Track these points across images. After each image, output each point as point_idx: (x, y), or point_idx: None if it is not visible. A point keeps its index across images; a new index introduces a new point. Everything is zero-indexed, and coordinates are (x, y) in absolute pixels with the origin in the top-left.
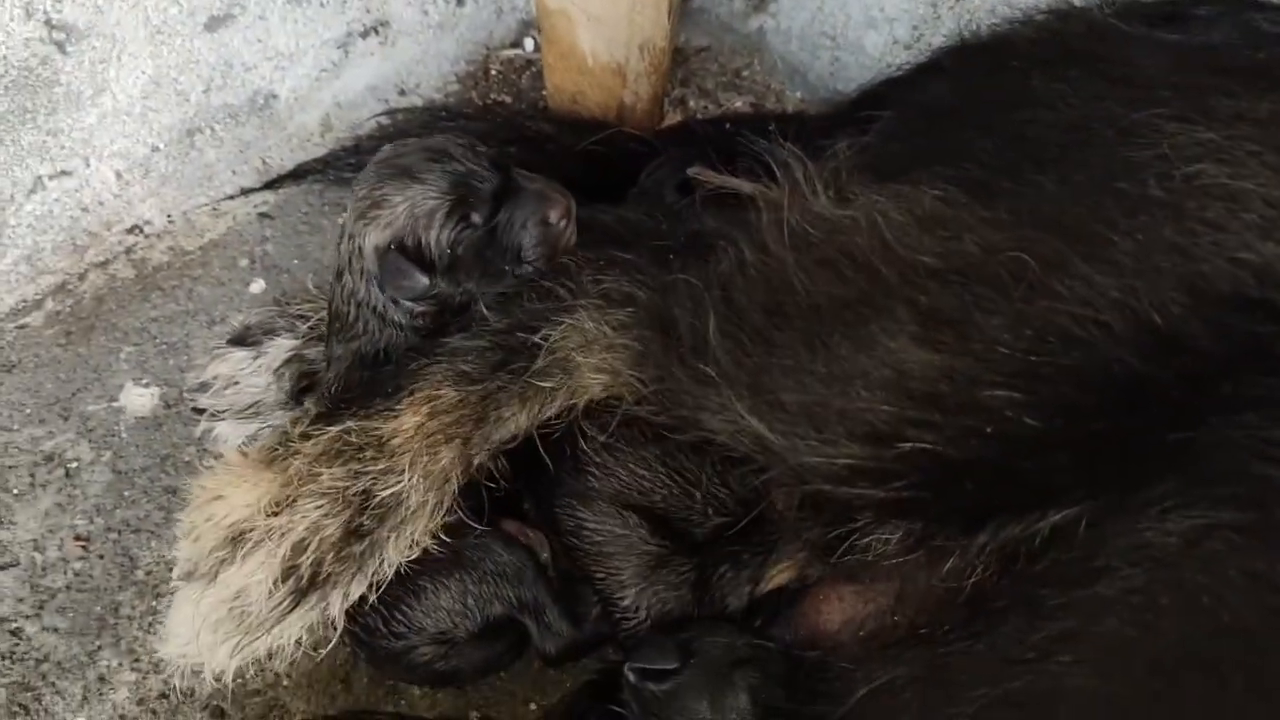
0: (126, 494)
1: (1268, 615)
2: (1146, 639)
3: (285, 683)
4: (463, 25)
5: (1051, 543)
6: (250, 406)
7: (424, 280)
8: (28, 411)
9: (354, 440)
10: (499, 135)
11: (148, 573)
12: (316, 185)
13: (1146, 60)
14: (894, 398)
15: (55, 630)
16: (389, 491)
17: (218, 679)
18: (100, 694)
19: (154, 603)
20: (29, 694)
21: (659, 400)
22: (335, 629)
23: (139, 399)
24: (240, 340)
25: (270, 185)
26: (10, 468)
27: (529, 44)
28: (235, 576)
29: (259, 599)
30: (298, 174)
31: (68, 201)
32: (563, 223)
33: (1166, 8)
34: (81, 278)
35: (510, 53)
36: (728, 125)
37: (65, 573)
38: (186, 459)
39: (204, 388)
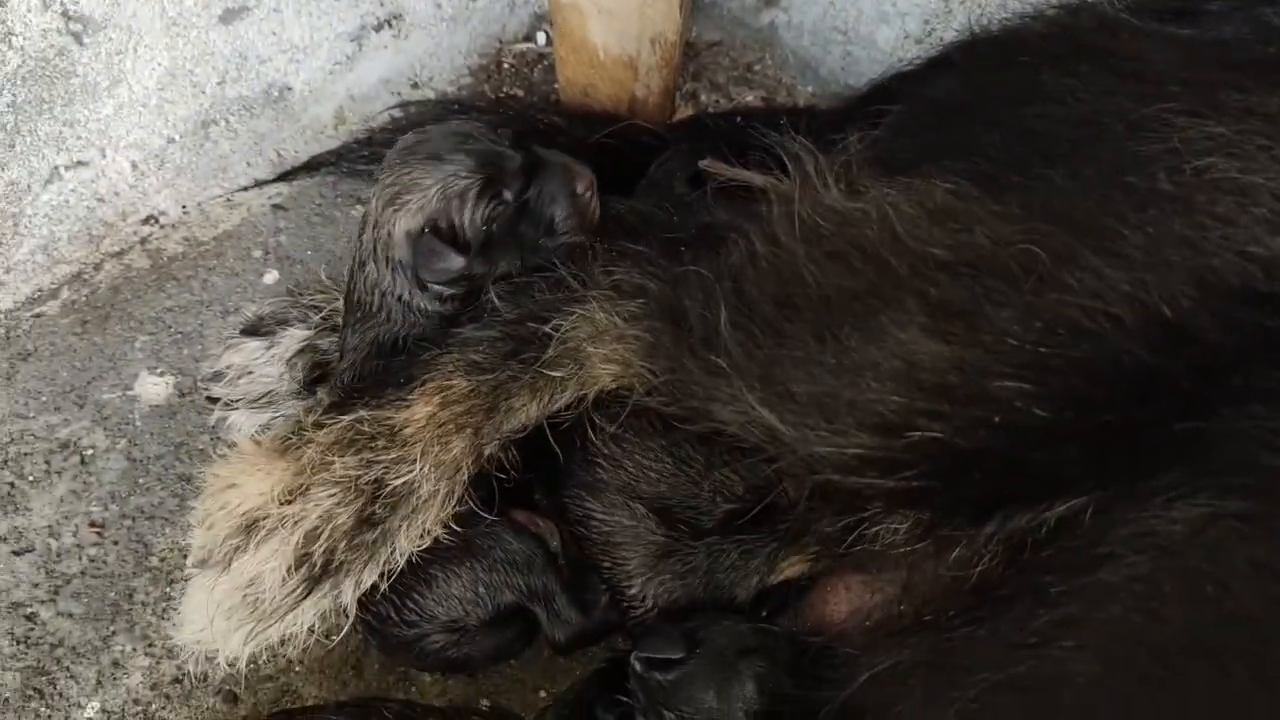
0: (141, 481)
1: (1271, 604)
2: (1150, 626)
3: (297, 668)
4: (475, 19)
5: (1058, 532)
6: (263, 396)
7: (460, 260)
8: (43, 399)
9: (366, 429)
10: (511, 128)
11: (161, 559)
12: (330, 177)
13: (1157, 55)
14: (904, 388)
15: (70, 615)
16: (401, 480)
17: (231, 665)
18: (114, 679)
19: (168, 589)
20: (44, 678)
21: (669, 391)
22: (347, 617)
23: (153, 388)
24: (254, 330)
25: (284, 177)
26: (26, 455)
27: (541, 38)
28: (249, 564)
29: (272, 586)
30: (311, 166)
31: (84, 192)
32: (588, 194)
33: (1178, 3)
34: (97, 267)
35: (522, 46)
36: (739, 119)
37: (80, 559)
38: (200, 447)
39: (218, 377)
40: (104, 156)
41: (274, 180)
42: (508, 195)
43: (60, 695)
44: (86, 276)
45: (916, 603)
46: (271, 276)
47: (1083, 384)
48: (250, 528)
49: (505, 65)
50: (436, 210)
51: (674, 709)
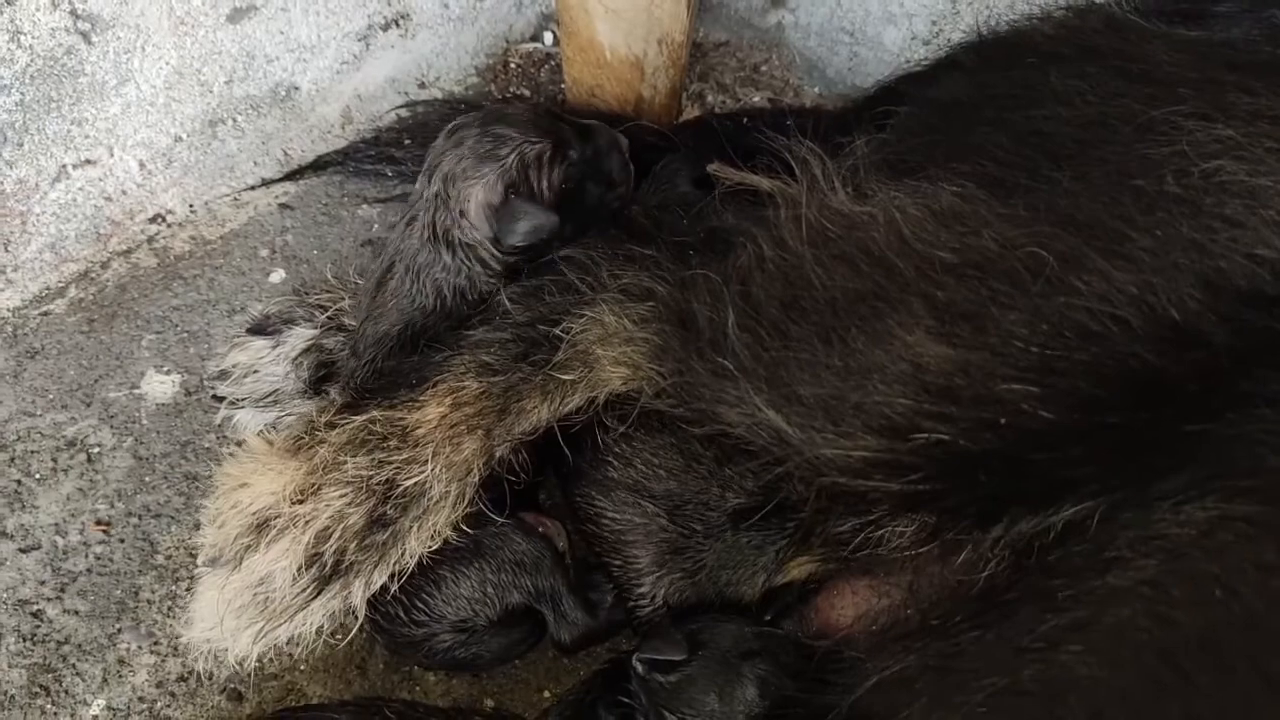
0: (147, 479)
1: (1279, 607)
2: (1157, 629)
3: (302, 667)
4: (482, 19)
5: (1065, 535)
6: (269, 395)
7: (554, 217)
8: (50, 397)
9: (378, 430)
10: None
11: (167, 557)
12: (336, 176)
13: (1166, 57)
14: (910, 391)
15: (76, 613)
16: (412, 481)
17: (240, 663)
18: (120, 676)
19: (173, 587)
20: (50, 675)
21: (677, 393)
22: (356, 617)
23: (160, 386)
24: (260, 329)
25: (291, 176)
26: (33, 452)
27: (548, 37)
28: (259, 563)
29: (282, 586)
30: (318, 165)
31: (91, 190)
32: (627, 152)
33: (1186, 4)
34: (104, 266)
35: (529, 46)
36: (745, 120)
37: (86, 556)
38: (206, 445)
39: (224, 376)
40: (111, 155)
41: (281, 179)
42: (574, 154)
43: (66, 692)
44: (94, 275)
45: (923, 606)
46: (278, 275)
47: (1090, 387)
48: (261, 527)
49: (512, 65)
50: (516, 177)
51: (676, 711)
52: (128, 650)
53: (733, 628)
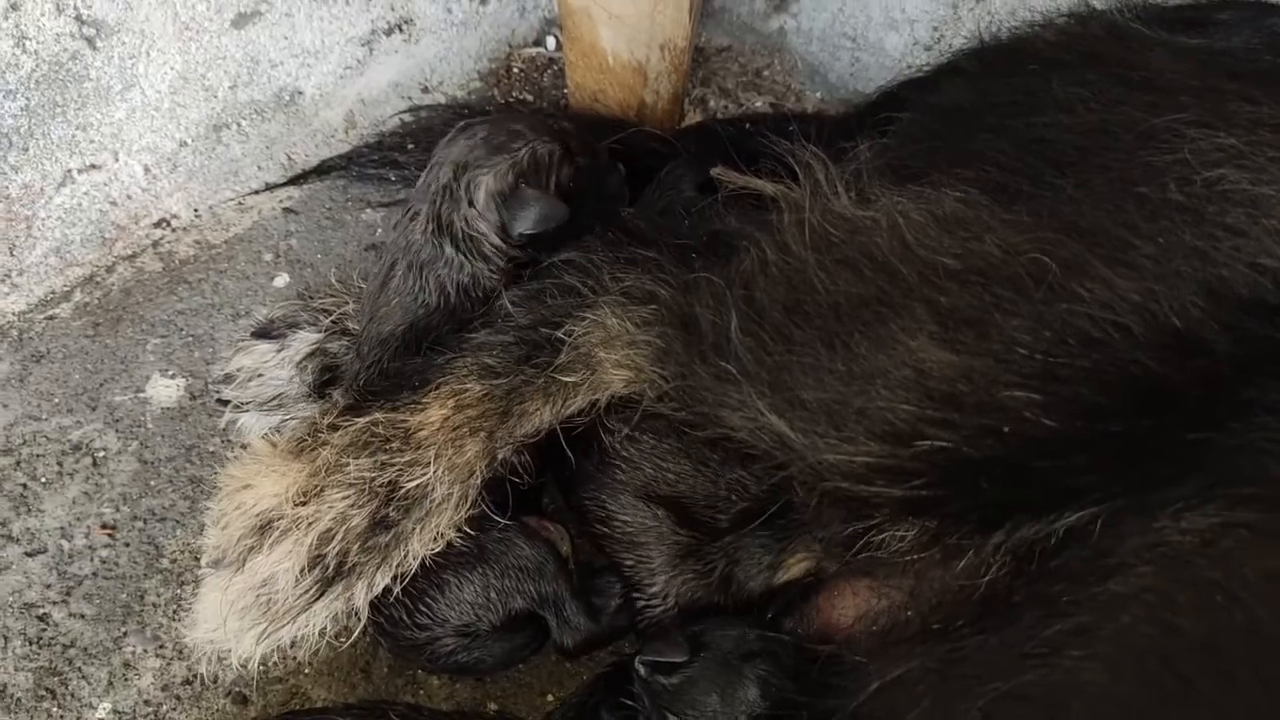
0: (152, 483)
1: None
2: (1159, 636)
3: (306, 671)
4: (485, 23)
5: (1067, 542)
6: (273, 398)
7: (564, 207)
8: (56, 401)
9: (381, 432)
10: None
11: (172, 561)
12: (340, 181)
13: (1167, 65)
14: (913, 397)
15: (82, 616)
16: (415, 483)
17: (243, 665)
18: (125, 679)
19: (179, 590)
20: (55, 678)
21: (680, 397)
22: (359, 619)
23: (165, 390)
24: (264, 333)
25: (295, 181)
26: (39, 456)
27: (551, 42)
28: (263, 564)
29: (285, 587)
30: (322, 170)
31: (96, 195)
32: (624, 171)
33: (1188, 12)
34: (109, 270)
35: (532, 51)
36: (748, 125)
37: (92, 560)
38: (211, 449)
39: (228, 380)
40: (116, 160)
41: (285, 184)
42: (580, 162)
43: (72, 696)
44: (99, 279)
45: (924, 610)
46: (282, 280)
47: (1092, 394)
48: (265, 528)
49: (515, 70)
50: (527, 169)
51: (678, 713)
52: (133, 654)
53: (734, 630)
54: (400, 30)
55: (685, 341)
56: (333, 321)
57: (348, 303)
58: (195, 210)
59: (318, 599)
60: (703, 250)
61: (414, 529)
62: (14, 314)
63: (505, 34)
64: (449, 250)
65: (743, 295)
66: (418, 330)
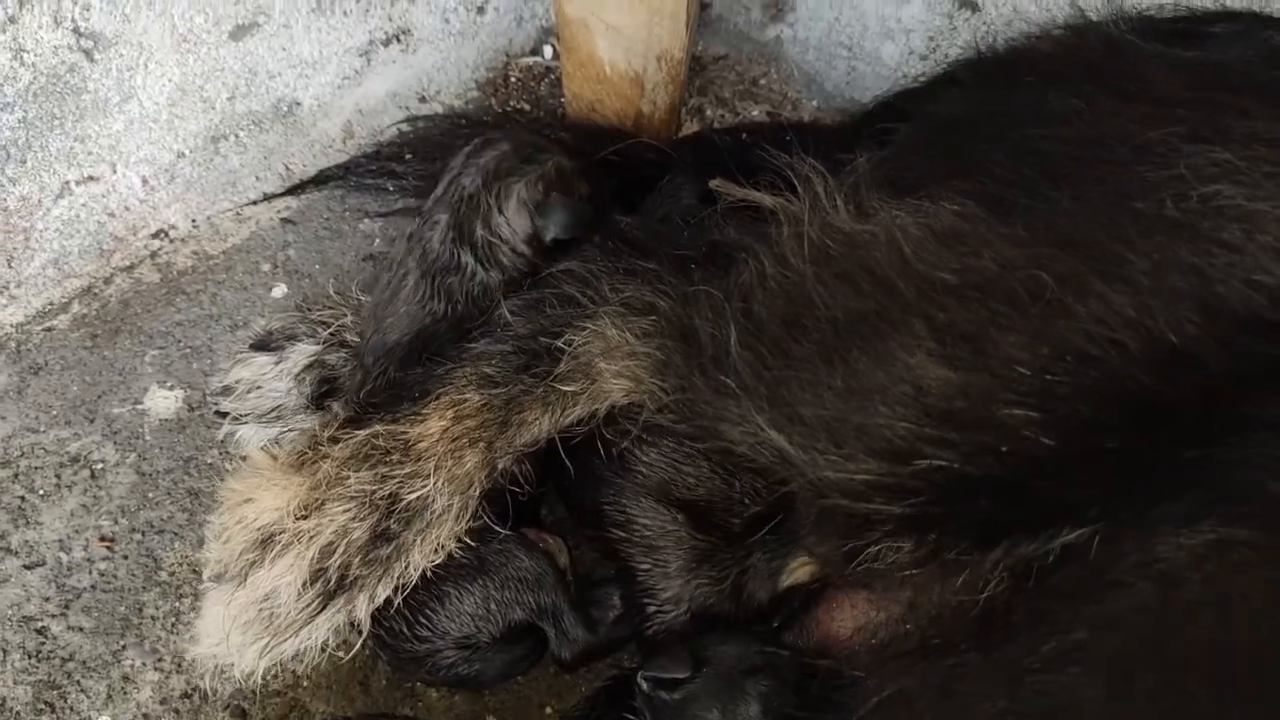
0: (150, 495)
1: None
2: (1157, 654)
3: (305, 684)
4: (483, 33)
5: (1065, 559)
6: (272, 410)
7: (591, 212)
8: (54, 413)
9: (381, 444)
10: None
11: (171, 573)
12: (338, 191)
13: (1162, 78)
14: (911, 414)
15: (80, 630)
16: (415, 495)
17: (245, 679)
18: (124, 693)
19: (177, 603)
20: (54, 692)
21: (680, 409)
22: (360, 632)
23: (163, 402)
24: (262, 345)
25: (293, 191)
26: (37, 469)
27: (548, 51)
28: (265, 578)
29: (287, 601)
30: (320, 180)
31: (94, 206)
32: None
33: (1182, 25)
34: (107, 281)
35: (530, 60)
36: (745, 135)
37: (90, 573)
38: (209, 461)
39: (226, 391)
40: (114, 171)
41: (282, 194)
42: (585, 189)
43: (70, 709)
44: (97, 290)
45: (923, 623)
46: (280, 290)
47: (1089, 411)
48: (266, 542)
49: (512, 79)
50: (555, 181)
51: None
52: (132, 667)
53: (736, 644)
54: (398, 40)
55: (684, 354)
56: (331, 333)
57: (346, 315)
58: (193, 221)
59: (320, 612)
60: (702, 261)
61: (415, 541)
62: (12, 326)
63: (502, 43)
64: (466, 258)
65: (741, 309)
66: (424, 339)
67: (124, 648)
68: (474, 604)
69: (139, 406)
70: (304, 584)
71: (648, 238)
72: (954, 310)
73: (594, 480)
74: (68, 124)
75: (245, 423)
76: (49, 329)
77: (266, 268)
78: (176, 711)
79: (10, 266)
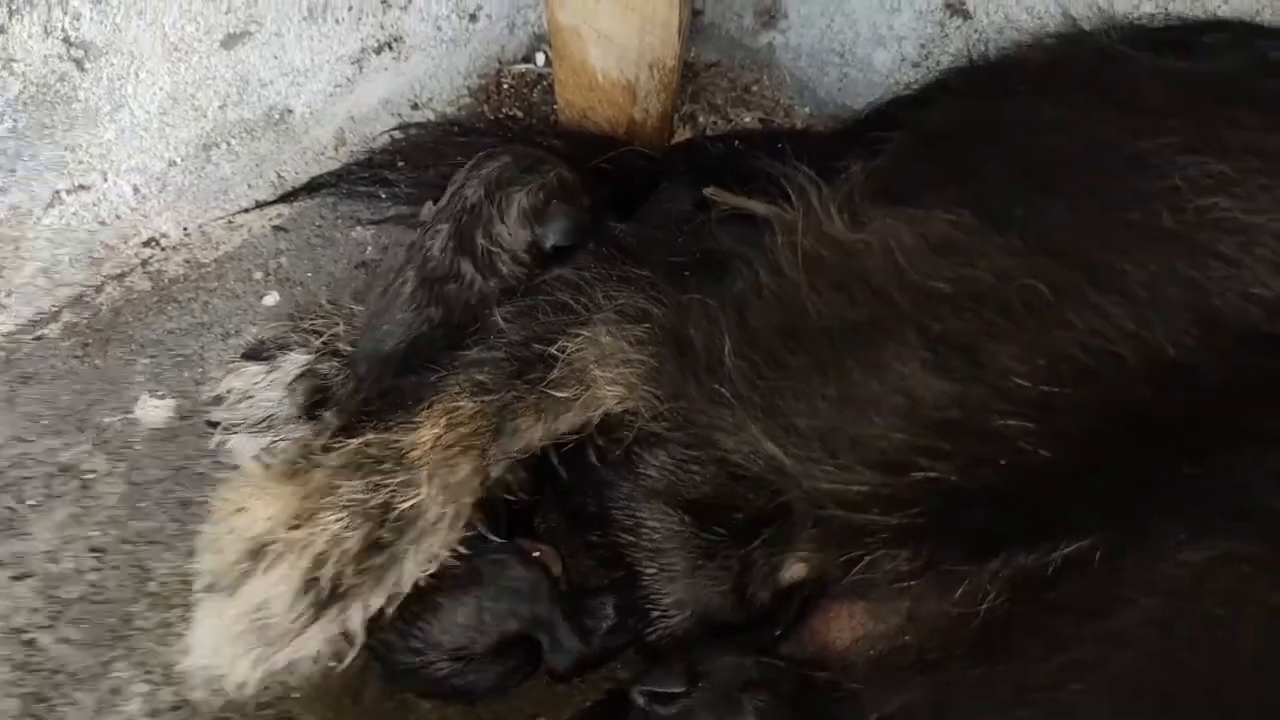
0: (141, 506)
1: None
2: (1160, 671)
3: (296, 695)
4: (475, 40)
5: (1065, 572)
6: (263, 420)
7: (590, 219)
8: (44, 423)
9: (374, 452)
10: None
11: (161, 584)
12: (330, 199)
13: (1154, 88)
14: (906, 425)
15: (69, 641)
16: (408, 504)
17: (239, 690)
18: (113, 705)
19: (167, 615)
20: (43, 704)
21: (674, 417)
22: (354, 643)
23: (154, 411)
24: (254, 355)
25: (285, 199)
26: (26, 479)
27: (540, 58)
28: (257, 589)
29: (280, 611)
30: (312, 187)
31: (85, 215)
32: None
33: (1174, 34)
34: (98, 290)
35: (522, 67)
36: (737, 142)
37: (80, 584)
38: (200, 471)
39: (218, 401)
40: (105, 180)
41: (274, 202)
42: (586, 201)
43: None
44: (88, 299)
45: (922, 635)
46: (272, 298)
47: (1086, 424)
48: (258, 552)
49: (505, 86)
50: (556, 190)
51: None
52: (121, 679)
53: (732, 658)
54: (390, 48)
55: (679, 362)
56: (323, 343)
57: (338, 324)
58: (185, 229)
59: (313, 622)
60: (696, 269)
61: (408, 550)
62: (2, 335)
63: (495, 50)
64: (466, 267)
65: (736, 318)
66: (418, 348)
67: (113, 660)
68: (467, 615)
69: (129, 416)
70: (296, 594)
71: (641, 245)
72: (949, 320)
73: (598, 485)
74: (58, 133)
75: (236, 432)
76: (39, 338)
77: (258, 275)
78: None
79: (1, 276)
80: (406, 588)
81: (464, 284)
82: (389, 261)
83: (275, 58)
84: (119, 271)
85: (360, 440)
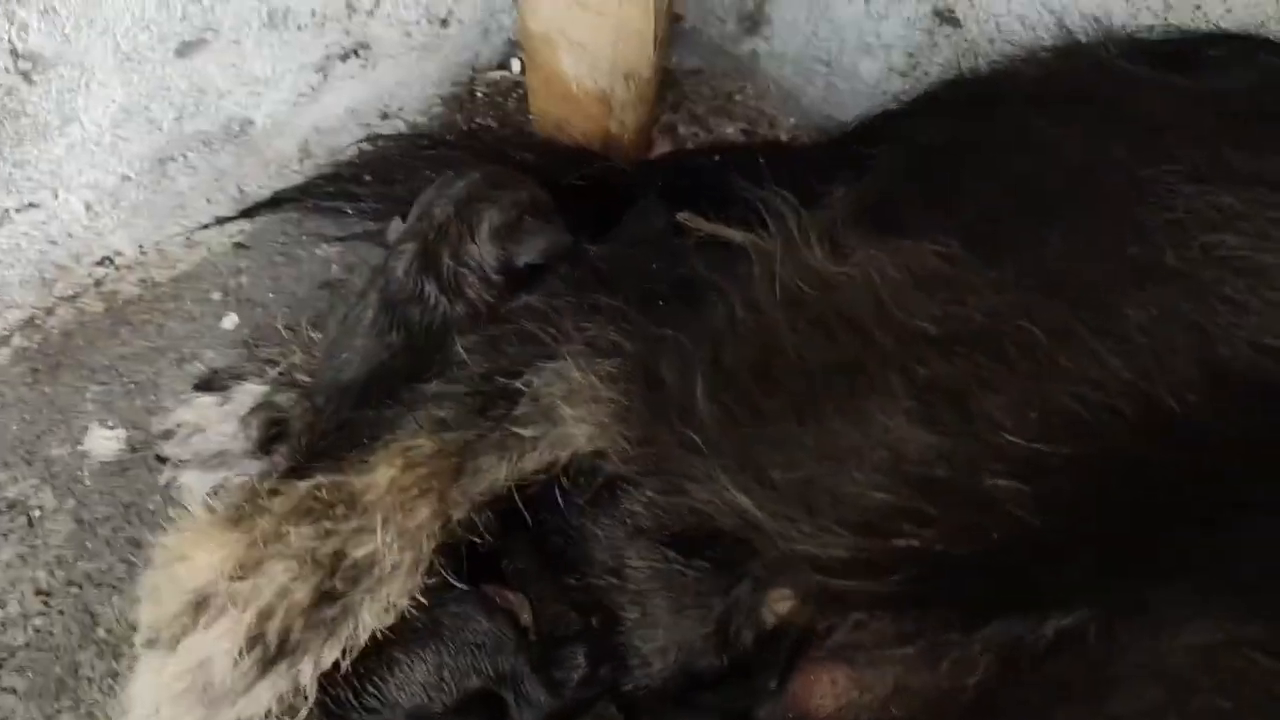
0: (89, 545)
1: None
2: None
3: None
4: (447, 46)
5: (1059, 647)
6: (216, 455)
7: (569, 235)
8: None
9: (325, 496)
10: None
11: (109, 630)
12: (294, 214)
13: (1154, 106)
14: (889, 482)
15: (13, 691)
16: (362, 552)
17: None
18: None
19: (114, 664)
20: None
21: (644, 461)
22: (306, 698)
23: (104, 442)
24: (207, 385)
25: (246, 214)
26: None
27: (516, 65)
28: (198, 645)
29: (223, 669)
30: (275, 202)
31: (35, 235)
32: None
33: (1175, 46)
34: (50, 312)
35: (496, 74)
36: (717, 156)
37: (26, 630)
38: (151, 508)
39: (168, 435)
40: (56, 198)
41: (235, 217)
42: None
43: None
44: (39, 321)
45: (911, 708)
46: (231, 320)
47: (1083, 486)
48: (200, 605)
49: (478, 94)
50: (527, 207)
51: None
52: None
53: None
54: (356, 55)
55: (650, 403)
56: (280, 373)
57: (296, 352)
58: (140, 247)
59: (259, 680)
60: (670, 297)
61: (363, 600)
62: None
63: (468, 57)
64: (430, 289)
65: (710, 356)
66: (378, 378)
67: (59, 711)
68: (425, 672)
69: (79, 447)
70: (240, 650)
71: (614, 270)
72: (935, 364)
73: (576, 524)
74: (5, 149)
75: (188, 468)
76: None
77: (217, 296)
78: None
79: None
80: (362, 640)
81: (427, 306)
82: (354, 282)
83: (234, 66)
84: (71, 293)
85: (310, 484)
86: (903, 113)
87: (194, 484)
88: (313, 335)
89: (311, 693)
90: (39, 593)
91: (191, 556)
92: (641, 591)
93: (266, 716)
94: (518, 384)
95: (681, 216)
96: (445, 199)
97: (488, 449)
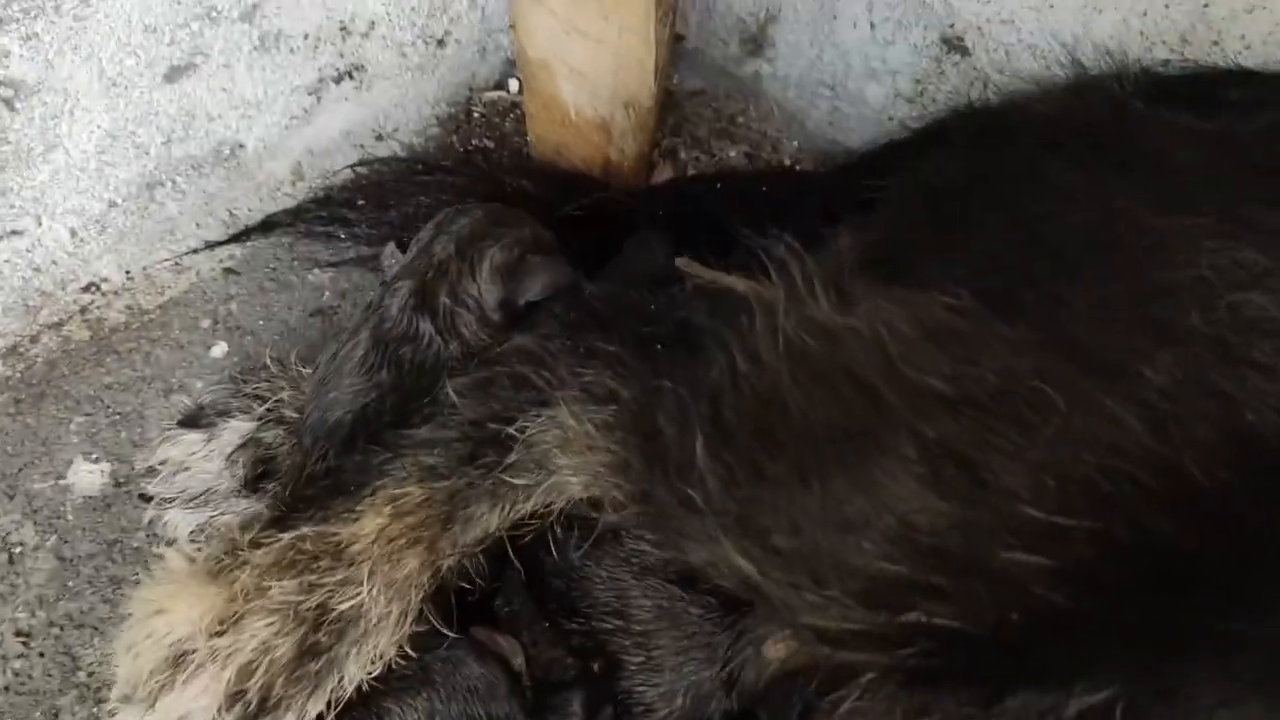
0: (71, 584)
1: None
2: None
3: None
4: (443, 67)
5: None
6: (201, 494)
7: (570, 271)
8: None
9: (309, 548)
10: (477, 191)
11: (90, 674)
12: (285, 238)
13: (1174, 152)
14: (899, 552)
15: None
16: (348, 604)
17: None
18: None
19: (95, 709)
20: None
21: (640, 517)
22: None
23: (88, 476)
24: (193, 422)
25: (237, 238)
26: None
27: (514, 85)
28: (176, 703)
29: None
30: (266, 226)
31: (19, 262)
32: None
33: (1192, 86)
34: (34, 340)
35: (494, 95)
36: (719, 184)
37: (4, 673)
38: (135, 546)
39: (152, 473)
40: (40, 225)
41: (225, 242)
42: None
43: None
44: (22, 350)
45: None
46: (219, 349)
47: (1103, 563)
48: (178, 661)
49: (475, 115)
50: (529, 245)
51: None
52: None
53: None
54: (351, 77)
55: (647, 456)
56: (268, 409)
57: (284, 388)
58: (127, 272)
59: None
60: (669, 341)
61: (349, 653)
62: None
63: (465, 77)
64: (425, 327)
65: (709, 411)
66: (367, 417)
67: None
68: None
69: (62, 481)
70: (220, 708)
71: (611, 312)
72: (946, 426)
73: (581, 566)
74: None
75: (172, 507)
76: None
77: (206, 324)
78: None
79: None
80: (347, 693)
81: (421, 345)
82: (346, 310)
83: (224, 90)
84: (56, 320)
85: (293, 535)
86: (910, 143)
87: (178, 523)
88: (301, 370)
89: None
90: (19, 634)
91: (170, 610)
92: (646, 633)
93: None
94: (510, 430)
95: (680, 263)
96: (446, 236)
97: (479, 498)
